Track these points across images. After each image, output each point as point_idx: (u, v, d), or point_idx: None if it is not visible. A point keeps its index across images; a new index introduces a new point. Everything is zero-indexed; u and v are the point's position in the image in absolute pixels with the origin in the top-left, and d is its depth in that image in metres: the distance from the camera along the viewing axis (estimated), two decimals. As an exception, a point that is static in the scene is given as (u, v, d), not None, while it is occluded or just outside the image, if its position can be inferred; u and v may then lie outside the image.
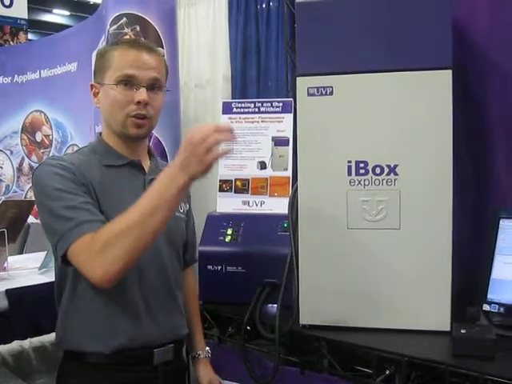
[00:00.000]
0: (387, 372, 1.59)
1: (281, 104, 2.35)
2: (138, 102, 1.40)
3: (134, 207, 1.26)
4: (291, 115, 2.30)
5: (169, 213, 1.27)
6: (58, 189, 1.32)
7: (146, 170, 1.52)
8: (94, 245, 1.25)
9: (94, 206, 1.35)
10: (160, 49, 2.24)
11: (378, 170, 1.71)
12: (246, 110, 2.39)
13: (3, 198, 3.81)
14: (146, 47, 1.46)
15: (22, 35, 5.03)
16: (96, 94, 1.48)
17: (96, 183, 1.39)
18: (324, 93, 1.74)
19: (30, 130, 4.13)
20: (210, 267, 2.03)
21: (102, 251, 1.24)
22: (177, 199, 1.27)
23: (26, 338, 1.97)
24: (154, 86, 1.44)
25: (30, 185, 2.76)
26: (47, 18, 15.98)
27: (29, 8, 5.12)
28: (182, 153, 1.22)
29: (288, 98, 2.45)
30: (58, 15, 16.41)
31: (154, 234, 1.28)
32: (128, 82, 1.41)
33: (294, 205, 1.86)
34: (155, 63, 1.45)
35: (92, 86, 1.49)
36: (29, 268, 2.39)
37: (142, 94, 1.40)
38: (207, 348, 1.75)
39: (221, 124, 1.25)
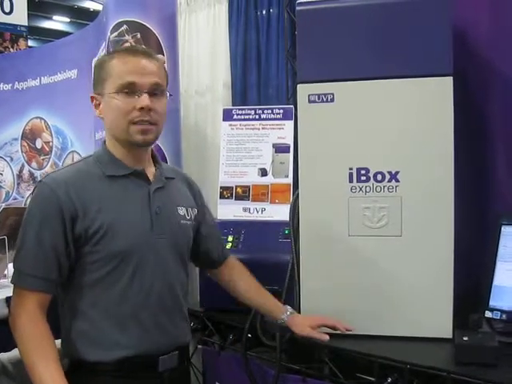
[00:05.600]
0: (389, 379, 1.59)
1: (281, 111, 2.36)
2: (141, 108, 1.38)
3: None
4: (292, 122, 2.31)
5: None
6: (35, 224, 1.34)
7: (151, 178, 1.48)
8: (18, 324, 1.35)
9: (61, 252, 1.35)
10: (159, 55, 2.23)
11: (379, 177, 1.71)
12: (246, 116, 2.40)
13: (3, 205, 3.79)
14: (144, 53, 1.44)
15: (22, 42, 5.02)
16: (97, 106, 1.46)
17: (95, 199, 1.38)
18: (325, 100, 1.74)
19: (30, 136, 4.12)
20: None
21: (14, 334, 1.36)
22: None
23: (26, 346, 1.96)
24: (155, 91, 1.42)
25: (30, 192, 2.76)
26: (47, 24, 15.98)
27: (29, 15, 5.10)
28: None
29: (289, 104, 2.45)
30: (58, 22, 16.40)
31: None
32: (129, 89, 1.39)
33: (295, 212, 1.86)
34: (155, 68, 1.43)
35: (92, 97, 1.47)
36: (29, 275, 2.37)
37: (144, 100, 1.38)
38: (287, 306, 1.67)
39: None
